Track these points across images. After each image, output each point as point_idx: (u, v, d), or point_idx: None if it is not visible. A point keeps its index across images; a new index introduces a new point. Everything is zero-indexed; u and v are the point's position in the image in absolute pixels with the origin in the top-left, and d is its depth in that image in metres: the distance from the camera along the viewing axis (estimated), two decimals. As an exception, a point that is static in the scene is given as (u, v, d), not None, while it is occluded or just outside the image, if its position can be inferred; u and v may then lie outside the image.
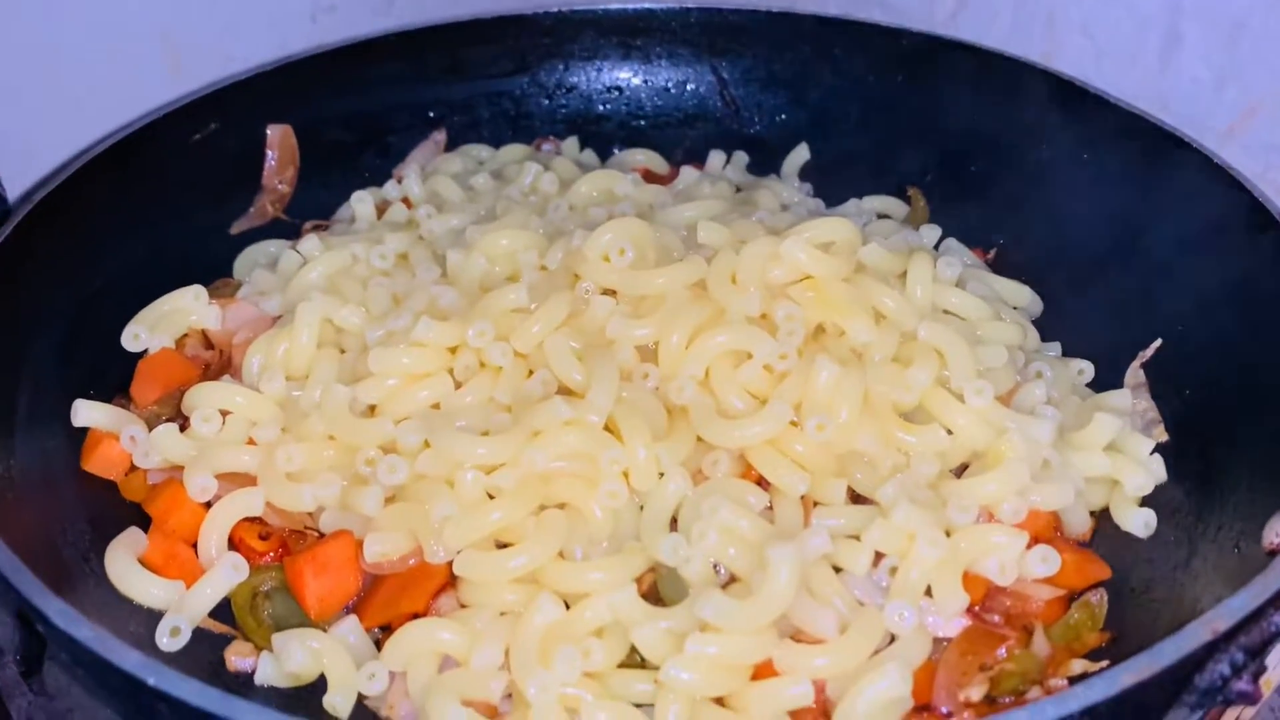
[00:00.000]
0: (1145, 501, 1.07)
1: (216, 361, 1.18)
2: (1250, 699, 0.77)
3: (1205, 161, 1.16)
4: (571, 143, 1.50)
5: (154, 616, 0.97)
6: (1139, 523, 1.05)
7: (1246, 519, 0.97)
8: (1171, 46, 1.36)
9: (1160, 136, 1.20)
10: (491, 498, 1.00)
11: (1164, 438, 1.11)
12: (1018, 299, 1.26)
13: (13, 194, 1.25)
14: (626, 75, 1.52)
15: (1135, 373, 1.17)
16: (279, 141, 1.39)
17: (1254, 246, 1.09)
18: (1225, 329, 1.11)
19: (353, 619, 0.97)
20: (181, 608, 0.97)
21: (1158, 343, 1.18)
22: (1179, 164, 1.19)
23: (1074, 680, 0.92)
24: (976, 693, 0.90)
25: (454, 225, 1.28)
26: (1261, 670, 0.78)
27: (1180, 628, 0.77)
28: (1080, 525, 1.06)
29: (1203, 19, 1.32)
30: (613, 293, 1.12)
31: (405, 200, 1.38)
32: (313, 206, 1.40)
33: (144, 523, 1.05)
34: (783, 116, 1.50)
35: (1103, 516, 1.07)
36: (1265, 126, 1.29)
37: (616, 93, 1.53)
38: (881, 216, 1.39)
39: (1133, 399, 1.13)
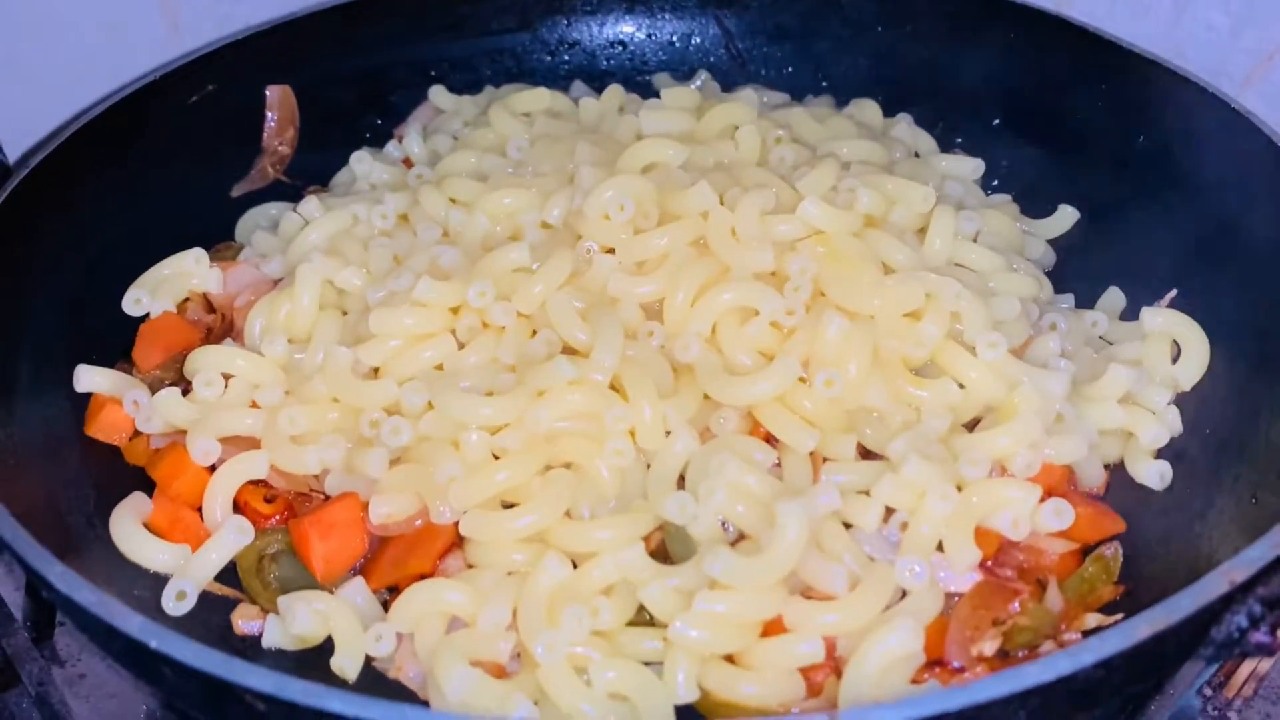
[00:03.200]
0: (1161, 454, 1.05)
1: (218, 325, 1.17)
2: (1269, 650, 0.75)
3: (1223, 106, 1.13)
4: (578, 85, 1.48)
5: (160, 581, 0.97)
6: (1154, 475, 1.03)
7: (1264, 469, 0.96)
8: (1187, -7, 1.33)
9: (1177, 82, 1.17)
10: (497, 458, 0.99)
11: (1183, 388, 1.09)
12: (1054, 231, 1.24)
13: (12, 159, 1.24)
14: (630, 29, 1.50)
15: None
16: (278, 102, 1.38)
17: (1272, 192, 1.07)
18: (1242, 278, 1.09)
19: (359, 581, 0.96)
20: (187, 571, 0.97)
21: (1173, 292, 1.16)
22: (1195, 111, 1.16)
23: (1088, 634, 0.91)
24: (989, 647, 0.89)
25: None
26: (1279, 622, 0.77)
27: (1197, 579, 0.76)
28: (1094, 478, 1.04)
29: (1219, -38, 1.29)
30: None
31: (406, 161, 1.36)
32: (314, 168, 1.38)
33: (148, 487, 1.04)
34: (790, 69, 1.47)
35: (1117, 469, 1.06)
36: (1284, 74, 1.27)
37: (620, 47, 1.50)
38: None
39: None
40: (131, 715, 1.02)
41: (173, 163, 1.28)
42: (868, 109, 1.39)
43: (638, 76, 1.50)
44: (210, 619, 0.97)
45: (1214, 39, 1.31)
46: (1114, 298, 1.20)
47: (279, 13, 1.39)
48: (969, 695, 0.68)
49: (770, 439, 1.01)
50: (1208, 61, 1.29)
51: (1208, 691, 1.05)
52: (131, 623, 0.73)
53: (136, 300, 1.16)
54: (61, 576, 0.78)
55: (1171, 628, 0.72)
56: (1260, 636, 0.76)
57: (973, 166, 1.31)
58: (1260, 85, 1.28)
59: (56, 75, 1.32)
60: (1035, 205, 1.29)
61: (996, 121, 1.36)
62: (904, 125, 1.37)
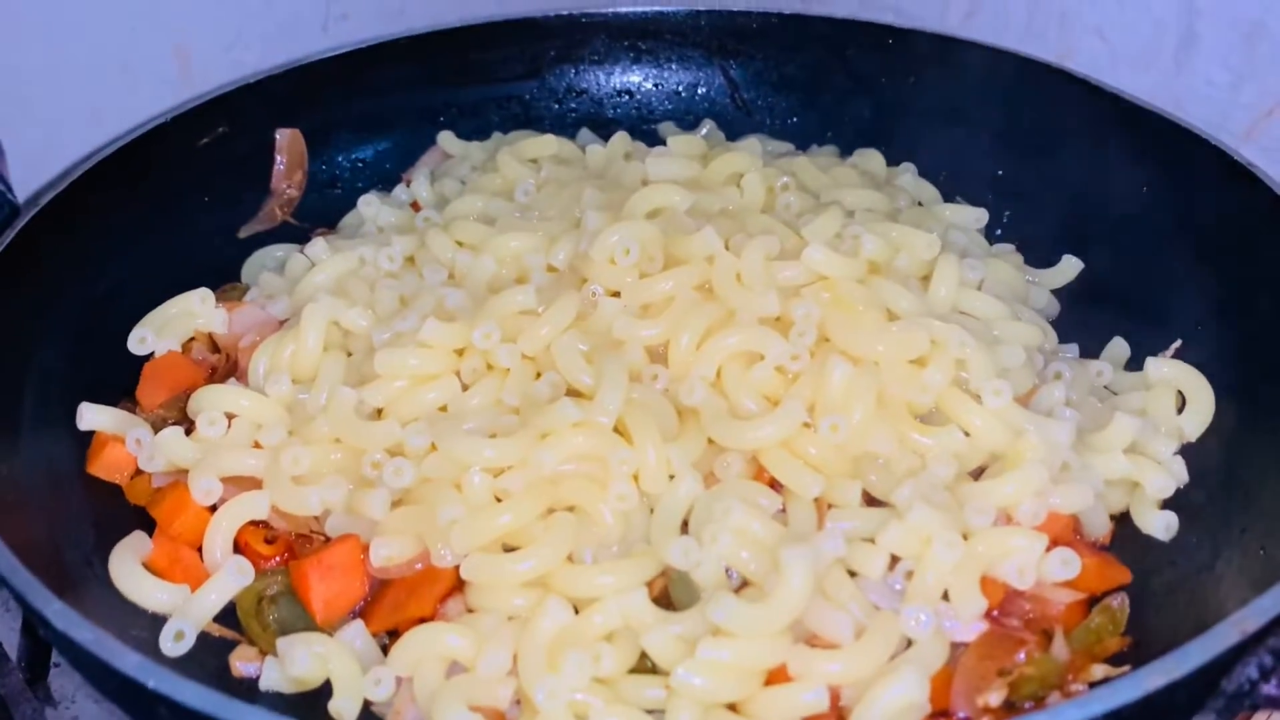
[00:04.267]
0: (1167, 504, 1.04)
1: (222, 365, 1.17)
2: (1279, 703, 0.74)
3: (1224, 159, 1.14)
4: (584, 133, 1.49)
5: (158, 621, 0.96)
6: (1160, 525, 1.02)
7: (1272, 520, 0.95)
8: (1187, 48, 1.35)
9: (1178, 134, 1.18)
10: (499, 500, 0.98)
11: (1188, 438, 1.08)
12: (1058, 281, 1.25)
13: (21, 198, 1.24)
14: (637, 79, 1.52)
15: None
16: (288, 145, 1.39)
17: (1275, 243, 1.07)
18: (1246, 328, 1.10)
19: (359, 623, 0.95)
20: (185, 612, 0.96)
21: (1178, 343, 1.16)
22: (1198, 162, 1.17)
23: (1095, 685, 0.90)
24: (995, 698, 0.88)
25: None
26: (1290, 674, 0.76)
27: (1204, 631, 0.75)
28: (1100, 528, 1.04)
29: (1219, 20, 1.31)
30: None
31: (414, 205, 1.37)
32: (321, 211, 1.39)
33: (149, 527, 1.04)
34: (795, 119, 1.49)
35: (1123, 519, 1.05)
36: (1284, 128, 1.28)
37: (627, 96, 1.52)
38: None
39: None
40: (123, 758, 1.00)
41: (181, 204, 1.29)
42: (872, 159, 1.40)
43: (644, 125, 1.51)
44: (208, 660, 0.96)
45: (1214, 94, 1.32)
46: (1118, 348, 1.20)
47: (290, 57, 1.41)
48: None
49: (775, 484, 1.01)
50: (1208, 115, 1.30)
51: (1217, 746, 1.03)
52: (128, 661, 0.72)
53: (141, 339, 1.16)
54: (59, 614, 0.77)
55: (1182, 678, 0.71)
56: (1271, 689, 0.75)
57: (976, 216, 1.32)
58: (1261, 139, 1.30)
59: (69, 117, 1.34)
60: (1038, 255, 1.30)
61: (1000, 172, 1.37)
62: (908, 175, 1.38)
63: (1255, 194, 1.11)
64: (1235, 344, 1.09)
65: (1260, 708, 0.76)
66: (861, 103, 1.46)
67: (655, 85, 1.52)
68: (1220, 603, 0.93)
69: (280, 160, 1.38)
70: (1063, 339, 1.21)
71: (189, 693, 0.70)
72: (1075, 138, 1.28)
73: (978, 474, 1.04)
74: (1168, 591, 0.98)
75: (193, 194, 1.30)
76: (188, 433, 1.06)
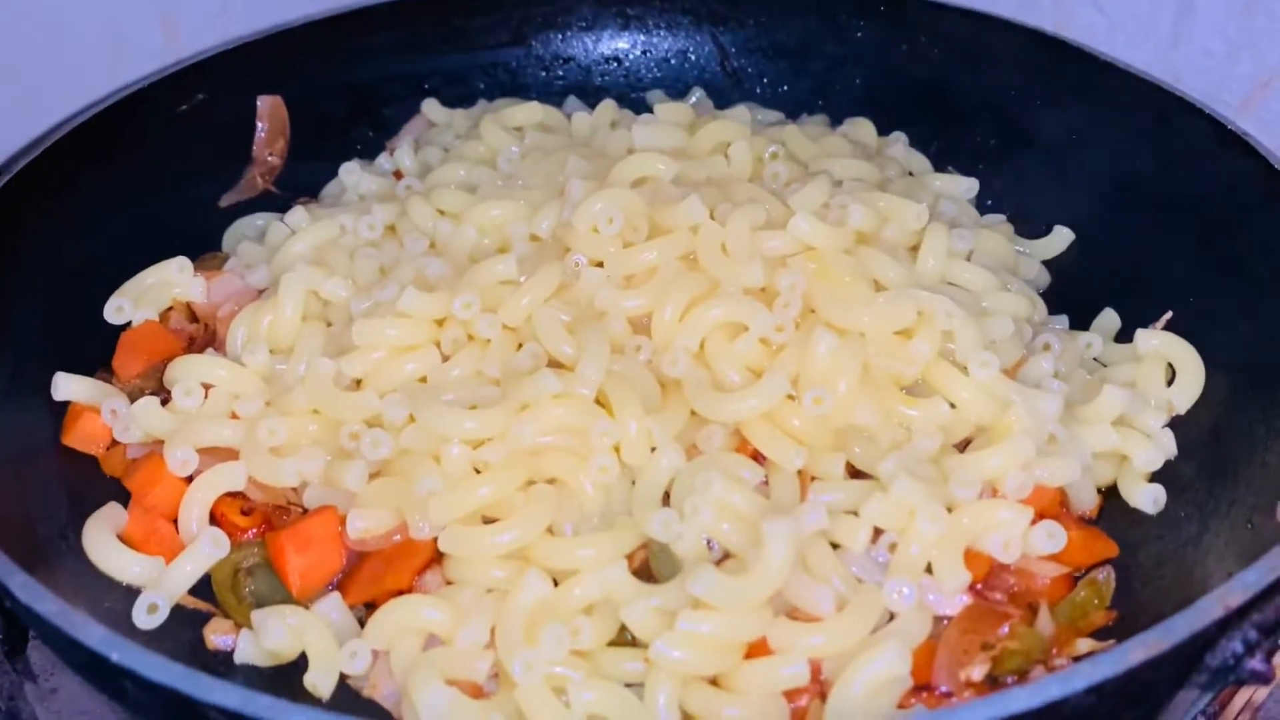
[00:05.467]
0: (1155, 477, 1.03)
1: (201, 335, 1.15)
2: (1263, 678, 0.73)
3: (1220, 130, 1.12)
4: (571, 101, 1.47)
5: (132, 593, 0.95)
6: (1148, 499, 1.01)
7: (1260, 493, 0.94)
8: (1184, 18, 1.33)
9: (1174, 105, 1.17)
10: (478, 473, 0.97)
11: (1178, 411, 1.07)
12: (1049, 252, 1.24)
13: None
14: (625, 45, 1.49)
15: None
16: (269, 113, 1.37)
17: (1269, 215, 1.06)
18: (1238, 301, 1.08)
19: (335, 596, 0.94)
20: (160, 584, 0.95)
21: (1169, 315, 1.14)
22: (1193, 133, 1.15)
23: (1079, 660, 0.89)
24: (978, 672, 0.87)
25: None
26: (1275, 649, 0.75)
27: (1191, 605, 0.74)
28: (1087, 502, 1.02)
29: (1216, -10, 1.29)
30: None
31: (397, 173, 1.35)
32: (304, 179, 1.37)
33: (126, 498, 1.02)
34: (785, 87, 1.47)
35: (1110, 493, 1.04)
36: (1280, 100, 1.26)
37: (615, 64, 1.50)
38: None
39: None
40: (103, 731, 1.00)
41: (161, 171, 1.27)
42: (862, 128, 1.38)
43: (632, 93, 1.49)
44: (182, 633, 0.94)
45: (1211, 65, 1.30)
46: (1109, 319, 1.18)
47: (276, 22, 1.39)
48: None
49: (758, 456, 1.00)
50: (1205, 86, 1.28)
51: (1202, 721, 1.03)
52: (93, 634, 0.71)
53: (118, 309, 1.14)
54: (23, 586, 0.76)
55: (1165, 653, 0.70)
56: (1256, 664, 0.74)
57: (967, 186, 1.30)
58: (1257, 110, 1.28)
59: (53, 86, 1.31)
60: (1030, 226, 1.28)
61: (993, 142, 1.35)
62: (899, 145, 1.36)
63: (1250, 165, 1.09)
64: (1227, 317, 1.07)
65: (1244, 683, 0.74)
66: (853, 70, 1.43)
67: (644, 52, 1.49)
68: (1207, 577, 0.92)
69: (261, 128, 1.36)
70: (1052, 310, 1.20)
71: (154, 667, 0.69)
72: (1069, 107, 1.26)
73: (964, 447, 1.02)
74: (1155, 565, 0.97)
75: (172, 162, 1.27)
76: (165, 404, 1.05)
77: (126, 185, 1.23)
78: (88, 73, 1.33)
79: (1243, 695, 0.99)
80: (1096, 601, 0.94)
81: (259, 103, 1.36)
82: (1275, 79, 1.27)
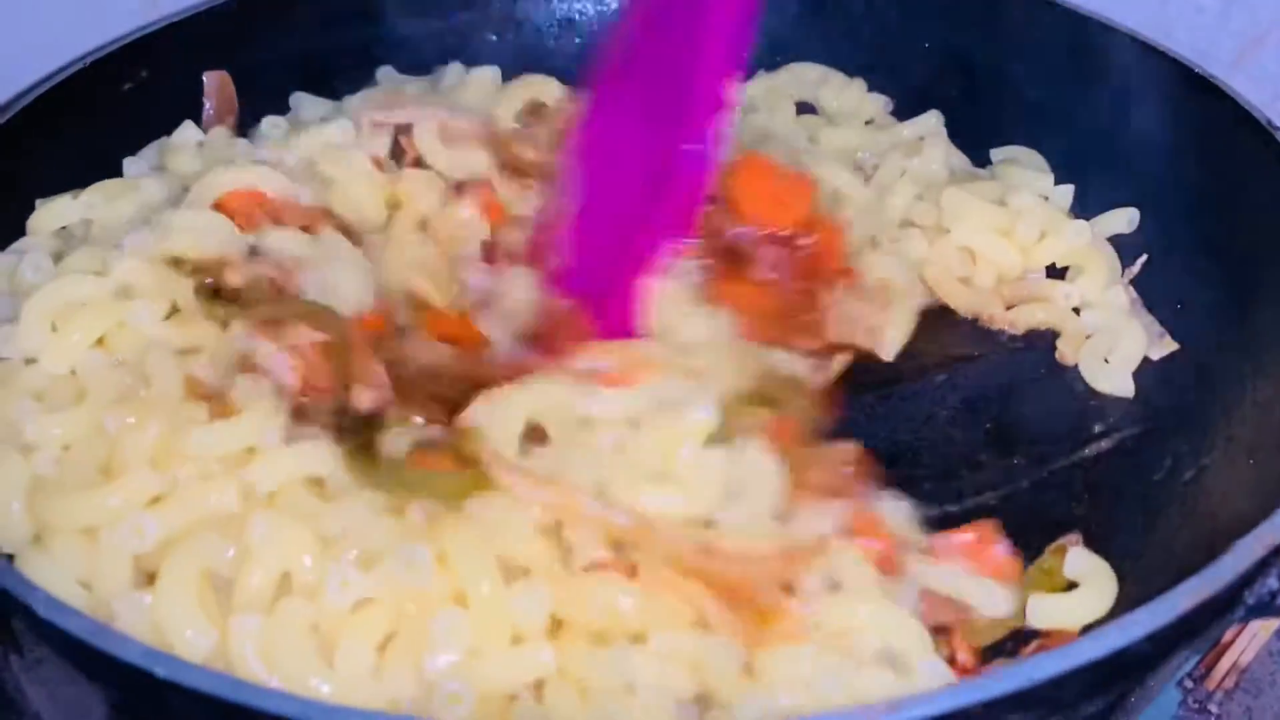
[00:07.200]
0: (1145, 418, 1.07)
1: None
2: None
3: (1201, 82, 1.14)
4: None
5: None
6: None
7: (1255, 430, 0.97)
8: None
9: (1164, 62, 1.18)
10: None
11: (1174, 346, 1.10)
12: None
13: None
14: (582, 4, 1.45)
15: (1127, 290, 1.16)
16: (216, 90, 1.30)
17: (1259, 173, 1.08)
18: (1212, 240, 1.11)
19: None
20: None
21: (1144, 258, 1.17)
22: (1184, 91, 1.16)
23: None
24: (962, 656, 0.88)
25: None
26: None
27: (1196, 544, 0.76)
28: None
29: (1208, -56, 1.29)
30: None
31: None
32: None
33: None
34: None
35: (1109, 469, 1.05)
36: (1273, 57, 1.26)
37: (570, 26, 1.46)
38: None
39: (1131, 314, 1.14)
40: (89, 703, 0.95)
41: (106, 153, 1.19)
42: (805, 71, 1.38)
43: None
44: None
45: (1203, 21, 1.30)
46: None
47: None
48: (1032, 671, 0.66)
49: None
50: (1196, 43, 1.28)
51: (1188, 684, 1.06)
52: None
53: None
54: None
55: (1213, 596, 0.72)
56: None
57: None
58: (1249, 68, 1.29)
59: (26, 54, 1.21)
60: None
61: (954, 93, 1.35)
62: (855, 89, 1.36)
63: (1238, 122, 1.10)
64: (1212, 261, 1.10)
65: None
66: (806, 31, 1.41)
67: (600, 13, 1.45)
68: (1213, 513, 0.95)
69: (209, 105, 1.30)
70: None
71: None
72: (1057, 62, 1.26)
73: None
74: (1159, 507, 0.99)
75: (118, 142, 1.20)
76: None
77: (71, 168, 1.15)
78: (64, 40, 1.23)
79: (1228, 659, 1.04)
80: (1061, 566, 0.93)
81: (205, 79, 1.29)
82: (1268, 36, 1.28)
